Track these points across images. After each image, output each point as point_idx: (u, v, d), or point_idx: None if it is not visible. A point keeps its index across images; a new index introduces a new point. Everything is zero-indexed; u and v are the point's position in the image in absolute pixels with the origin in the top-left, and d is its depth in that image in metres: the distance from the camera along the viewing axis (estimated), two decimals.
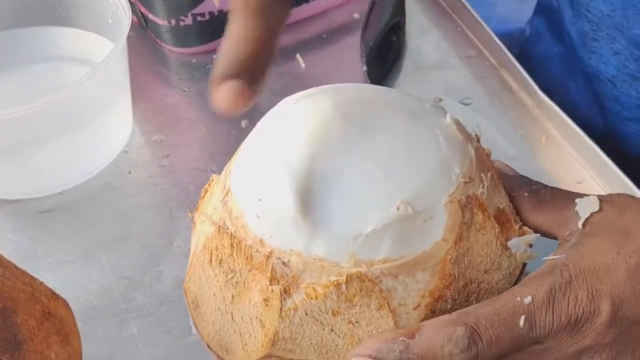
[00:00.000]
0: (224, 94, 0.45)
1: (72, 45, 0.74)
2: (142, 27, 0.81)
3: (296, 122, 0.51)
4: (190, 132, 0.74)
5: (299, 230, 0.47)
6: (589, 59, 0.72)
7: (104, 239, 0.66)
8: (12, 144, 0.67)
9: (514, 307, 0.45)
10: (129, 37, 0.68)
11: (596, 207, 0.49)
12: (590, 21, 0.70)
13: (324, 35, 0.81)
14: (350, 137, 0.48)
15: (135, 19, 0.81)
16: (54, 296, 0.52)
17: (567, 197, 0.50)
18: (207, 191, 0.55)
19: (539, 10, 0.84)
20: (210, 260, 0.51)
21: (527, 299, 0.45)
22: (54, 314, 0.51)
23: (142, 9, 0.79)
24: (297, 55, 0.79)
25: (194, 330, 0.60)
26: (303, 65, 0.78)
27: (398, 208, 0.47)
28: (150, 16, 0.79)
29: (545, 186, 0.51)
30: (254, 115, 0.74)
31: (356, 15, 0.82)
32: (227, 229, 0.50)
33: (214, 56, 0.79)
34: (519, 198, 0.51)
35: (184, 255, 0.64)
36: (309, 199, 0.47)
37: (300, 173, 0.48)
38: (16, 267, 0.51)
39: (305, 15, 0.82)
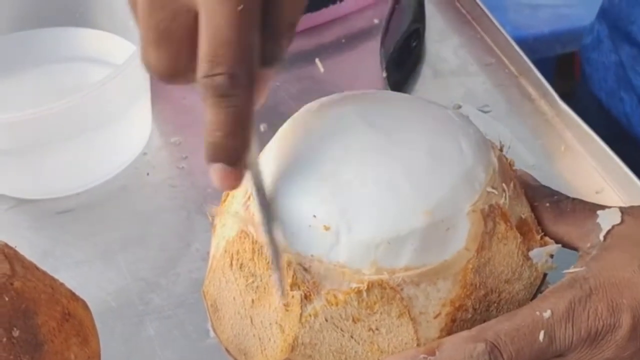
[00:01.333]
0: (213, 176, 0.46)
1: (93, 46, 0.74)
2: None
3: (319, 129, 0.51)
4: None
5: (320, 237, 0.47)
6: (636, 79, 0.72)
7: (122, 240, 0.67)
8: (32, 144, 0.67)
9: (534, 321, 0.45)
10: None
11: (618, 220, 0.49)
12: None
13: (343, 40, 0.81)
14: (373, 145, 0.48)
15: None
16: (74, 297, 0.52)
17: (589, 209, 0.50)
18: (228, 195, 0.55)
19: (602, 15, 0.83)
20: (231, 264, 0.51)
21: (547, 313, 0.45)
22: (74, 315, 0.51)
23: None
24: (316, 60, 0.79)
25: (211, 334, 0.60)
26: (322, 69, 0.78)
27: (421, 216, 0.47)
28: None
29: (567, 197, 0.51)
30: (271, 119, 0.74)
31: (376, 21, 0.82)
32: (249, 233, 0.50)
33: None
34: (540, 208, 0.51)
35: (201, 259, 0.64)
36: (332, 206, 0.47)
37: (323, 179, 0.48)
38: (37, 268, 0.51)
39: (325, 20, 0.82)
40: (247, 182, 0.52)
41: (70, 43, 0.74)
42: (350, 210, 0.47)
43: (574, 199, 0.51)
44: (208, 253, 0.64)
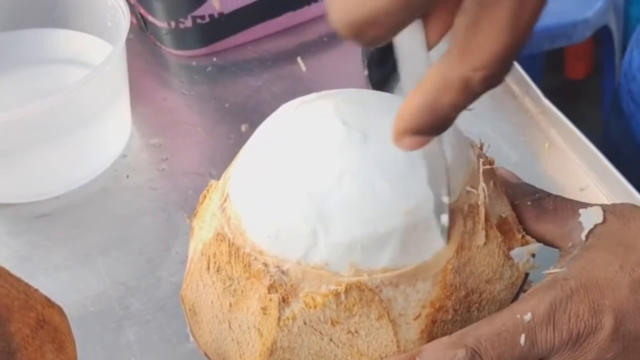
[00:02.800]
0: (407, 142, 0.41)
1: (70, 47, 0.73)
2: (141, 29, 0.81)
3: (296, 129, 0.50)
4: (190, 136, 0.73)
5: (298, 239, 0.47)
6: None
7: (101, 244, 0.66)
8: (9, 147, 0.66)
9: (514, 325, 0.44)
10: (128, 39, 0.67)
11: (600, 219, 0.48)
12: None
13: (325, 39, 0.81)
14: (351, 145, 0.48)
15: (135, 21, 0.80)
16: (49, 303, 0.51)
17: (571, 207, 0.49)
18: (205, 197, 0.54)
19: None
20: (208, 267, 0.50)
21: (527, 316, 0.44)
22: (49, 322, 0.50)
23: (142, 11, 0.79)
24: (298, 59, 0.78)
25: (191, 338, 0.59)
26: (304, 68, 0.78)
27: (400, 217, 0.46)
28: (150, 18, 0.78)
29: (549, 194, 0.50)
30: (253, 119, 0.74)
31: None
32: (226, 235, 0.49)
33: (214, 59, 0.80)
34: (522, 207, 0.50)
35: (181, 262, 0.64)
36: (309, 207, 0.46)
37: (299, 180, 0.47)
38: (10, 274, 0.50)
39: (306, 18, 0.81)
40: (225, 184, 0.52)
41: (47, 44, 0.73)
42: (327, 212, 0.46)
43: (556, 196, 0.50)
44: (187, 256, 0.64)
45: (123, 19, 0.68)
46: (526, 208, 0.50)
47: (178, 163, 0.71)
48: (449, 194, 0.47)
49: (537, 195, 0.50)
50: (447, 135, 0.49)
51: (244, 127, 0.73)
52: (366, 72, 0.75)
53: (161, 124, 0.74)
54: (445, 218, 0.46)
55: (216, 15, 0.77)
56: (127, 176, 0.70)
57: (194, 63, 0.79)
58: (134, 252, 0.65)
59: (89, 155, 0.70)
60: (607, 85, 1.65)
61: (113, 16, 0.69)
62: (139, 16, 0.79)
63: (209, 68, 0.79)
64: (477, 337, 0.44)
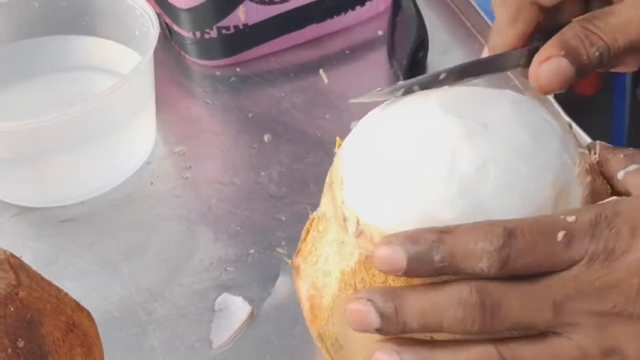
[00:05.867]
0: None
1: (97, 55, 0.74)
2: (166, 38, 0.82)
3: (408, 131, 0.49)
4: (213, 144, 0.74)
5: None
6: None
7: (125, 249, 0.66)
8: (37, 153, 0.67)
9: (555, 221, 0.44)
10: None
11: None
12: None
13: (347, 52, 0.82)
14: (476, 135, 0.47)
15: (160, 30, 0.81)
16: (79, 307, 0.52)
17: None
18: (309, 232, 0.52)
19: None
20: None
21: (571, 218, 0.44)
22: (78, 326, 0.51)
23: (167, 20, 0.80)
24: (321, 71, 0.79)
25: (214, 344, 0.60)
26: (326, 80, 0.79)
27: (548, 189, 0.46)
28: (175, 28, 0.79)
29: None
30: (275, 129, 0.75)
31: (380, 32, 0.82)
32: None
33: (238, 69, 0.81)
34: (615, 159, 0.49)
35: (204, 269, 0.64)
36: (464, 205, 0.46)
37: (441, 181, 0.46)
38: (42, 278, 0.51)
39: (329, 31, 0.82)
40: (340, 210, 0.50)
41: (76, 52, 0.74)
42: (485, 205, 0.46)
43: None
44: (211, 264, 0.65)
45: (152, 29, 0.69)
46: (618, 160, 0.49)
47: (201, 171, 0.72)
48: (573, 159, 0.48)
49: (632, 150, 0.50)
50: (545, 110, 0.51)
51: (266, 137, 0.74)
52: None
53: (185, 132, 0.75)
54: (581, 179, 0.48)
55: (241, 27, 0.78)
56: (152, 183, 0.71)
57: (218, 73, 0.80)
58: (158, 258, 0.66)
59: (114, 162, 0.70)
60: (617, 101, 1.66)
61: (141, 25, 0.70)
62: (164, 25, 0.80)
63: (233, 78, 0.80)
64: (518, 222, 0.44)
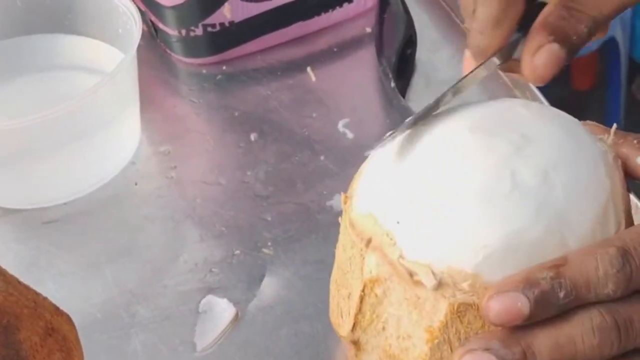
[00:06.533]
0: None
1: (80, 53, 0.73)
2: (151, 36, 0.81)
3: (453, 159, 0.46)
4: (199, 144, 0.73)
5: (545, 250, 0.45)
6: None
7: (109, 251, 0.66)
8: (19, 153, 0.66)
9: None
10: (138, 45, 0.67)
11: None
12: None
13: (335, 49, 0.81)
14: (521, 147, 0.46)
15: (145, 28, 0.80)
16: (58, 312, 0.51)
17: None
18: (362, 301, 0.48)
19: None
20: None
21: None
22: (57, 330, 0.50)
23: (152, 18, 0.79)
24: (308, 68, 0.78)
25: (198, 347, 0.59)
26: (314, 78, 0.78)
27: (598, 209, 0.46)
28: (161, 26, 0.78)
29: None
30: (262, 128, 0.74)
31: (368, 29, 0.82)
32: (471, 302, 0.45)
33: (224, 67, 0.80)
34: (628, 144, 0.49)
35: (189, 270, 0.64)
36: (548, 217, 0.45)
37: (529, 196, 0.45)
38: (19, 282, 0.50)
39: (316, 28, 0.81)
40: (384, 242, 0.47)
41: (59, 51, 0.73)
42: (560, 212, 0.45)
43: None
44: (196, 265, 0.64)
45: (135, 27, 0.68)
46: (632, 146, 0.49)
47: (186, 171, 0.71)
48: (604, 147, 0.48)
49: (638, 135, 0.50)
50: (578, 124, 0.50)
51: (253, 136, 0.73)
52: (392, 84, 0.75)
53: (170, 131, 0.74)
54: (617, 165, 0.48)
55: (227, 24, 0.77)
56: (136, 184, 0.70)
57: (204, 71, 0.79)
58: (141, 259, 0.65)
59: (98, 162, 0.70)
60: (613, 96, 1.65)
61: (125, 23, 0.69)
62: (150, 23, 0.79)
63: (219, 76, 0.79)
64: (623, 239, 0.43)
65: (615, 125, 0.50)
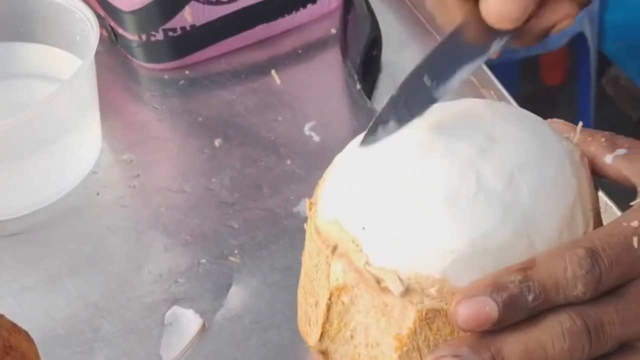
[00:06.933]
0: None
1: (38, 61, 0.72)
2: (111, 42, 0.79)
3: (417, 164, 0.45)
4: (162, 151, 0.72)
5: (513, 254, 0.44)
6: None
7: (71, 263, 0.64)
8: None
9: (624, 230, 0.43)
10: (97, 52, 0.66)
11: None
12: None
13: (300, 51, 0.80)
14: (485, 149, 0.45)
15: (105, 34, 0.78)
16: (15, 329, 0.50)
17: None
18: (329, 309, 0.47)
19: None
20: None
21: (635, 223, 0.43)
22: (16, 348, 0.49)
23: (112, 24, 0.77)
24: (273, 71, 0.77)
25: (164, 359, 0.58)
26: (278, 81, 0.77)
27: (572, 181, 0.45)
28: (120, 31, 0.77)
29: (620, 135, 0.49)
30: (227, 133, 0.73)
31: (333, 30, 0.80)
32: (440, 307, 0.44)
33: (186, 72, 0.78)
34: (596, 144, 0.49)
35: (154, 281, 0.62)
36: (515, 220, 0.44)
37: (495, 199, 0.44)
38: None
39: (280, 30, 0.80)
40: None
41: (15, 59, 0.72)
42: (523, 207, 0.44)
43: (626, 137, 0.49)
44: (161, 275, 0.63)
45: (92, 33, 0.66)
46: (600, 144, 0.48)
47: (150, 179, 0.70)
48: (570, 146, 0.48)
49: (608, 133, 0.49)
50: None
51: (217, 142, 0.72)
52: (358, 86, 0.74)
53: (132, 139, 0.73)
54: (583, 163, 0.48)
55: (188, 28, 0.76)
56: (98, 193, 0.69)
57: (166, 76, 0.78)
58: (105, 271, 0.64)
59: (58, 173, 0.68)
60: (582, 91, 1.65)
61: (82, 30, 0.68)
62: (109, 29, 0.78)
63: (181, 81, 0.77)
64: (592, 240, 0.43)
65: (581, 123, 0.49)
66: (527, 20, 0.49)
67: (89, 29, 0.67)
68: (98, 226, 0.67)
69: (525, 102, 0.71)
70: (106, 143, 0.72)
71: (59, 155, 0.68)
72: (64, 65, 0.70)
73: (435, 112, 0.48)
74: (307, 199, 0.49)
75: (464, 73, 0.48)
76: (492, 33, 0.48)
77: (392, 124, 0.46)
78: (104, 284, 0.63)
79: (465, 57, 0.48)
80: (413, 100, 0.47)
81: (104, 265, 0.64)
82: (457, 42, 0.50)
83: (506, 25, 0.48)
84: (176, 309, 0.61)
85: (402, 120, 0.46)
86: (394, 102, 0.47)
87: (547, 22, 0.52)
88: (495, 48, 0.49)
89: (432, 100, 0.47)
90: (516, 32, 0.49)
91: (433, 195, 0.44)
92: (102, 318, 0.61)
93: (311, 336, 0.49)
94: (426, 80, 0.48)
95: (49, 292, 0.63)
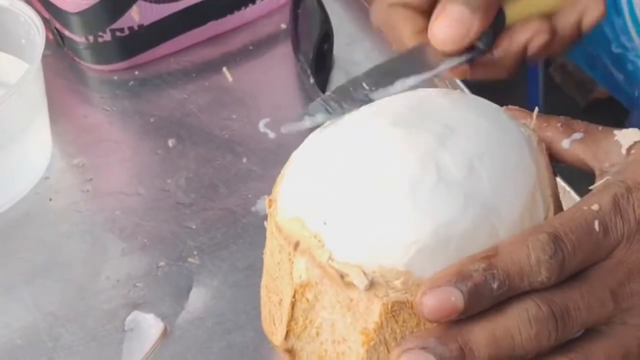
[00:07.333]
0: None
1: None
2: (58, 45, 0.78)
3: (377, 154, 0.45)
4: (114, 153, 0.71)
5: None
6: None
7: (26, 272, 0.63)
8: None
9: (585, 213, 0.43)
10: (44, 55, 0.65)
11: (638, 137, 0.47)
12: None
13: (251, 47, 0.79)
14: (444, 138, 0.45)
15: (51, 36, 0.77)
16: None
17: (602, 130, 0.48)
18: (293, 307, 0.46)
19: None
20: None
21: (595, 207, 0.43)
22: None
23: (58, 26, 0.76)
24: (224, 69, 0.77)
25: None
26: (230, 78, 0.76)
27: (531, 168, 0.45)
28: (67, 33, 0.75)
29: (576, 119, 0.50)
30: (180, 133, 0.72)
31: (283, 25, 0.80)
32: (406, 299, 0.43)
33: (136, 72, 0.77)
34: (552, 129, 0.49)
35: (112, 287, 0.62)
36: (476, 209, 0.44)
37: (456, 188, 0.44)
38: None
39: (230, 27, 0.79)
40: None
41: None
42: (484, 195, 0.44)
43: (583, 121, 0.49)
44: (119, 281, 0.62)
45: (38, 36, 0.65)
46: (556, 129, 0.49)
47: (103, 183, 0.69)
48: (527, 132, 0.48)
49: (563, 118, 0.49)
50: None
51: (170, 142, 0.71)
52: (312, 81, 0.73)
53: (84, 143, 0.72)
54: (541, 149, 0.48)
55: (136, 28, 0.74)
56: (50, 199, 0.68)
57: (115, 78, 0.76)
58: (62, 279, 0.63)
59: (8, 180, 0.67)
60: (531, 79, 1.67)
61: (27, 33, 0.67)
62: (55, 31, 0.76)
63: (131, 82, 0.76)
64: (554, 225, 0.43)
65: (537, 109, 0.50)
66: (494, 46, 0.53)
67: (35, 32, 0.66)
68: (52, 233, 0.66)
69: (477, 90, 0.71)
70: (57, 148, 0.71)
71: (9, 162, 0.66)
72: (10, 70, 0.69)
73: (392, 103, 0.48)
74: (266, 197, 0.48)
75: (408, 83, 0.50)
76: (441, 55, 0.52)
77: (320, 115, 0.48)
78: (61, 291, 0.62)
79: (409, 71, 0.51)
80: (350, 99, 0.48)
81: (61, 272, 0.63)
82: (404, 59, 0.53)
83: (448, 47, 0.52)
84: (136, 314, 0.60)
85: (332, 113, 0.48)
86: (325, 99, 0.48)
87: (516, 43, 0.56)
88: (444, 68, 0.53)
89: (368, 100, 0.48)
90: (473, 56, 0.53)
91: (394, 187, 0.44)
92: (61, 327, 0.60)
93: (276, 335, 0.48)
94: (365, 85, 0.49)
95: (5, 302, 0.61)
